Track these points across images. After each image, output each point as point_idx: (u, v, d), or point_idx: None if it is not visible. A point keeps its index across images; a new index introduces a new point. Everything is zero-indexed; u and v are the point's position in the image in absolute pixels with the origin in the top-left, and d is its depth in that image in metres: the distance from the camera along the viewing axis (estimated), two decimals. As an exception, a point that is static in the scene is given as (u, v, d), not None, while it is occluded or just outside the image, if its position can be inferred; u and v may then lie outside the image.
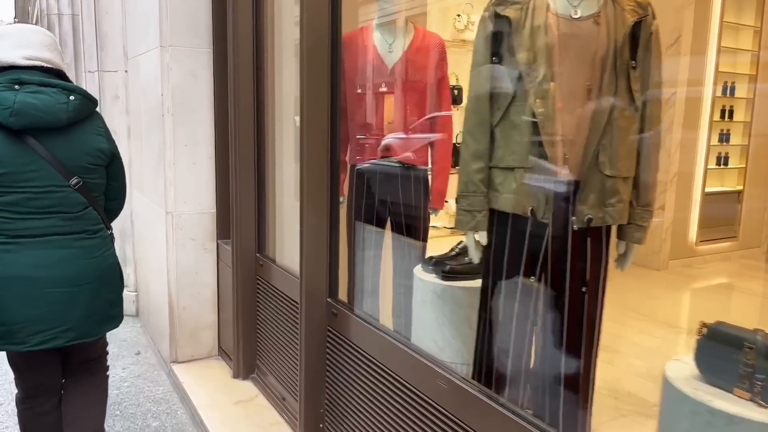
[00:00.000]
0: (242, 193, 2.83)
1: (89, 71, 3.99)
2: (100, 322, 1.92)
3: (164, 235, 3.03)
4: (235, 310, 2.86)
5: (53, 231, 1.80)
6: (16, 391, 1.99)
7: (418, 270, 2.34)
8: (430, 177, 2.62)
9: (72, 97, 1.81)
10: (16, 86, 1.73)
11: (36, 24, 13.10)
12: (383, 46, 2.52)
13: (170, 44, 2.88)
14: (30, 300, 1.77)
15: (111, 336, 2.35)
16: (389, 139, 2.52)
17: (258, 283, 2.82)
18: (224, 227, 3.08)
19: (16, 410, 2.00)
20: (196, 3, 2.92)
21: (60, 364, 2.02)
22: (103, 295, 1.91)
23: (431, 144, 2.60)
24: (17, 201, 1.74)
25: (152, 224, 3.30)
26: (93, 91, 3.96)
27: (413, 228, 2.64)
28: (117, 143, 2.04)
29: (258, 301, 2.83)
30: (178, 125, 2.94)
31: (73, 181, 1.82)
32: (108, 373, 2.15)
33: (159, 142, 3.03)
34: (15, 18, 30.20)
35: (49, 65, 1.83)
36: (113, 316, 1.98)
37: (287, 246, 2.74)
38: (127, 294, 3.90)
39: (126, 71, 3.82)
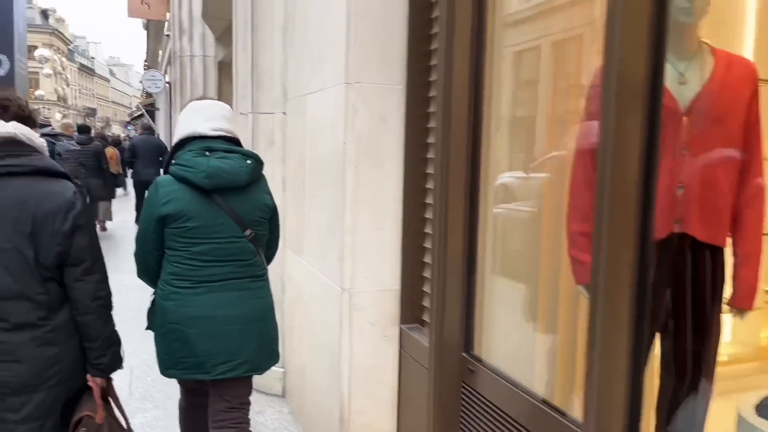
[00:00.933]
0: (445, 267, 2.15)
1: (241, 113, 3.57)
2: (267, 357, 2.20)
3: (337, 317, 2.42)
4: (430, 425, 2.16)
5: (230, 276, 2.08)
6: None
7: (748, 411, 1.52)
8: (732, 262, 1.81)
9: (249, 161, 2.12)
10: (207, 153, 2.03)
11: (168, 65, 13.67)
12: (671, 75, 1.76)
13: (357, 80, 2.30)
14: (213, 336, 2.05)
15: (254, 424, 2.38)
16: (682, 210, 1.74)
17: (465, 395, 2.11)
18: (410, 309, 2.42)
19: None
20: (389, 29, 2.33)
21: None
22: (268, 332, 2.20)
23: (736, 217, 1.79)
24: (205, 251, 2.05)
25: (319, 300, 2.70)
26: (245, 135, 3.53)
27: (702, 336, 1.83)
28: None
29: (463, 420, 2.11)
30: (362, 181, 2.34)
31: (248, 232, 2.10)
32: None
33: (335, 201, 2.44)
34: (146, 62, 32.74)
35: (229, 134, 2.14)
36: (275, 351, 2.26)
37: (514, 348, 2.02)
38: (274, 369, 3.34)
39: (284, 113, 3.34)
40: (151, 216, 2.06)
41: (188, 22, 10.29)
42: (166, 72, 12.65)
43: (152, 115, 30.71)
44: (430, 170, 2.33)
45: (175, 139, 2.19)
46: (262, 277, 2.21)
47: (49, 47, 71.46)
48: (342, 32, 2.32)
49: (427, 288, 2.34)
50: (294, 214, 3.18)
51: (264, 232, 2.21)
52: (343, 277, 2.37)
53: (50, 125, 8.47)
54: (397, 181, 2.39)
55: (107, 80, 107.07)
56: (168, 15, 11.65)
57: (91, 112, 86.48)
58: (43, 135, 2.48)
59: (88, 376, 1.85)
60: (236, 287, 2.10)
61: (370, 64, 2.31)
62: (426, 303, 2.35)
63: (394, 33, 2.34)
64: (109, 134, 17.21)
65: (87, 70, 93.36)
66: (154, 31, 16.95)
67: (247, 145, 3.45)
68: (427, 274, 2.35)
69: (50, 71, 70.32)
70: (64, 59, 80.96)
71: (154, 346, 2.15)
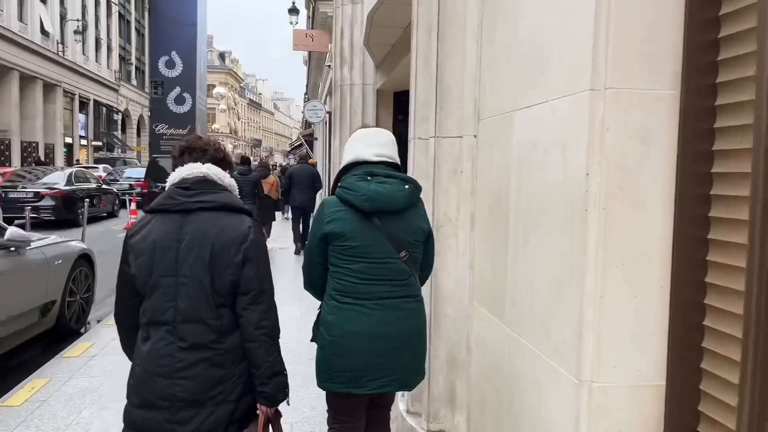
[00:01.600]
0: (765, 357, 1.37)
1: (420, 138, 3.03)
2: (416, 374, 2.29)
3: (568, 417, 1.71)
4: None
5: (387, 295, 2.17)
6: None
7: None
8: None
9: (406, 186, 2.22)
10: (369, 177, 2.17)
11: (328, 95, 14.00)
12: None
13: (609, 85, 1.62)
14: (370, 352, 2.14)
15: None
16: None
17: None
18: (681, 414, 1.64)
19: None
20: (659, 11, 1.63)
21: (365, 416, 2.34)
22: (419, 351, 2.28)
23: None
24: (363, 269, 2.15)
25: (535, 386, 1.99)
26: (423, 163, 2.99)
27: None
28: (448, 232, 2.55)
29: None
30: (612, 228, 1.63)
31: (402, 254, 2.18)
32: None
33: (565, 254, 1.76)
34: (306, 94, 34.72)
35: (391, 160, 2.25)
36: (423, 369, 2.33)
37: None
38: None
39: (475, 136, 2.74)
40: (316, 233, 2.21)
41: (349, 51, 10.31)
42: (325, 102, 12.91)
43: (311, 145, 32.22)
44: (715, 213, 1.56)
45: (342, 164, 2.30)
46: (416, 298, 2.27)
47: (224, 85, 79.69)
48: (587, 20, 1.66)
49: (707, 385, 1.56)
50: (487, 260, 2.54)
51: (418, 254, 2.27)
52: (581, 363, 1.66)
53: None
54: (665, 228, 1.65)
55: (272, 113, 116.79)
56: (330, 46, 11.85)
57: (257, 143, 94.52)
58: None
59: (258, 404, 1.93)
60: (394, 306, 2.17)
61: (628, 62, 1.61)
62: (705, 407, 1.56)
63: (663, 16, 1.62)
64: (273, 163, 18.22)
65: (255, 105, 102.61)
66: (316, 63, 17.63)
67: (426, 173, 2.93)
68: (707, 365, 1.57)
69: (225, 107, 78.31)
70: (236, 95, 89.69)
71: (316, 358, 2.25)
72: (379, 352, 2.13)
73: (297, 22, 25.36)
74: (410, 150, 3.24)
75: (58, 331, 5.28)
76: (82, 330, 5.63)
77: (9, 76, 27.89)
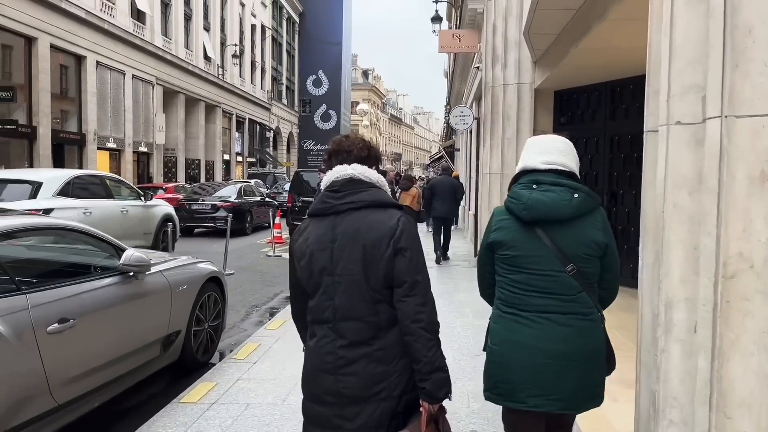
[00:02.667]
0: None
1: (678, 123, 1.80)
2: (586, 398, 2.10)
3: None
4: None
5: (552, 309, 2.03)
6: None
7: None
8: None
9: (576, 195, 2.04)
10: (533, 186, 2.06)
11: (475, 101, 12.85)
12: None
13: None
14: (529, 366, 2.03)
15: None
16: None
17: None
18: None
19: None
20: None
21: None
22: (589, 374, 2.07)
23: None
24: (522, 279, 2.06)
25: None
26: (683, 163, 1.74)
27: None
28: (747, 286, 1.58)
29: None
30: None
31: (569, 267, 2.02)
32: None
33: None
34: (447, 105, 33.79)
35: (562, 168, 2.08)
36: (598, 394, 2.13)
37: None
38: None
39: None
40: (484, 241, 2.19)
41: (502, 48, 9.12)
42: (472, 108, 11.81)
43: (452, 156, 31.27)
44: None
45: (515, 172, 2.21)
46: (590, 316, 2.08)
47: (367, 102, 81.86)
48: None
49: None
50: None
51: (591, 269, 2.07)
52: None
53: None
54: None
55: (411, 128, 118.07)
56: (479, 46, 10.74)
57: (398, 157, 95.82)
58: None
59: (420, 399, 1.87)
60: (559, 322, 2.03)
61: None
62: None
63: None
64: (416, 176, 17.69)
65: (396, 120, 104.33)
66: (460, 69, 16.58)
67: (693, 183, 1.70)
68: None
69: (368, 122, 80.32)
70: (378, 111, 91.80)
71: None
72: (539, 367, 2.04)
73: (438, 30, 24.53)
74: (650, 146, 2.03)
75: (183, 364, 4.70)
76: (211, 361, 5.04)
77: (176, 99, 30.37)
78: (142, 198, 10.59)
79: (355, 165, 1.95)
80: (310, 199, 14.43)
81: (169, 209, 11.63)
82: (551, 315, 2.03)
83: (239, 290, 8.09)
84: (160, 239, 10.68)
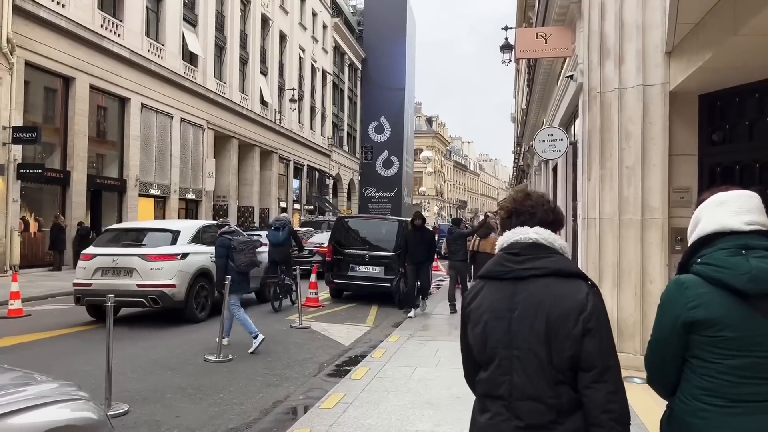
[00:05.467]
0: None
1: None
2: None
3: None
4: None
5: None
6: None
7: None
8: None
9: None
10: (743, 251, 1.76)
11: (573, 118, 9.81)
12: None
13: None
14: None
15: None
16: None
17: None
18: None
19: None
20: None
21: None
22: None
23: None
24: (744, 365, 1.72)
25: None
26: None
27: None
28: None
29: None
30: None
31: None
32: None
33: None
34: (517, 145, 30.85)
35: (764, 228, 1.83)
36: None
37: None
38: None
39: None
40: (674, 320, 1.79)
41: (616, 37, 6.30)
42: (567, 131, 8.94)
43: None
44: None
45: (696, 234, 1.89)
46: None
47: (431, 149, 79.99)
48: None
49: None
50: None
51: None
52: None
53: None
54: None
55: (477, 175, 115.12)
56: (572, 47, 7.93)
57: (463, 204, 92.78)
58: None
59: None
60: None
61: None
62: None
63: None
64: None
65: (460, 167, 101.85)
66: (540, 90, 13.73)
67: None
68: None
69: (431, 169, 78.25)
70: (442, 158, 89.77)
71: None
72: None
73: (510, 60, 21.83)
74: None
75: None
76: None
77: (229, 144, 29.05)
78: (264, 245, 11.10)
79: (538, 229, 1.83)
80: (356, 251, 11.78)
81: None
82: None
83: (219, 396, 5.37)
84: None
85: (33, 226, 17.64)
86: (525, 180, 30.53)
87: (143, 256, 8.69)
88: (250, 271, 7.54)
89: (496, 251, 1.90)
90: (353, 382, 5.53)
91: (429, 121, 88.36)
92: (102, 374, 5.80)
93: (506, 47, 19.14)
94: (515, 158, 42.00)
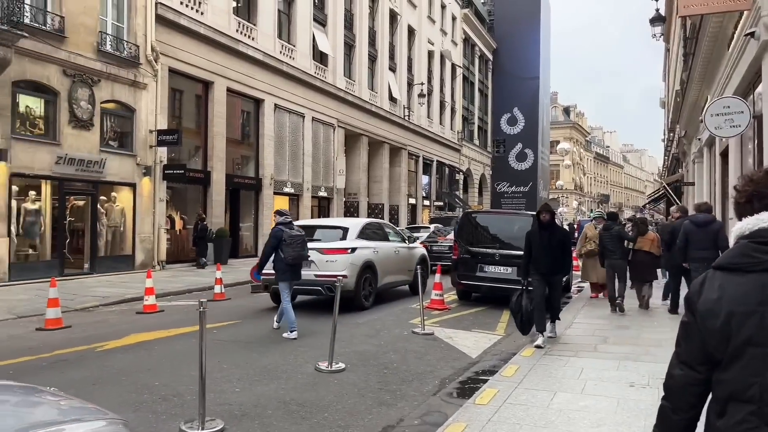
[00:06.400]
0: None
1: None
2: None
3: None
4: None
5: None
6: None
7: None
8: None
9: None
10: None
11: (755, 85, 7.96)
12: None
13: None
14: None
15: None
16: None
17: None
18: None
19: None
20: None
21: None
22: None
23: None
24: None
25: None
26: None
27: None
28: None
29: None
30: None
31: None
32: None
33: None
34: (670, 131, 27.63)
35: None
36: None
37: None
38: None
39: None
40: None
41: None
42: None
43: (677, 193, 25.25)
44: None
45: None
46: None
47: (569, 140, 75.49)
48: None
49: None
50: None
51: None
52: None
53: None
54: None
55: (620, 167, 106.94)
56: (756, -3, 6.30)
57: (605, 198, 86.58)
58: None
59: None
60: None
61: None
62: None
63: None
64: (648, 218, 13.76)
65: (602, 159, 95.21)
66: (703, 62, 11.64)
67: None
68: None
69: (569, 162, 73.81)
70: (581, 150, 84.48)
71: None
72: None
73: (661, 35, 19.42)
74: None
75: None
76: None
77: (359, 142, 29.19)
78: (407, 241, 12.40)
79: None
80: (485, 250, 10.77)
81: (424, 252, 12.95)
82: None
83: (323, 416, 4.76)
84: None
85: (179, 224, 18.77)
86: (680, 170, 27.26)
87: (320, 250, 9.72)
88: (300, 262, 8.05)
89: (731, 241, 1.71)
90: (478, 408, 4.63)
91: (566, 111, 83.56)
92: (210, 380, 5.48)
93: (657, 20, 16.91)
94: (666, 147, 37.95)
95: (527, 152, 51.77)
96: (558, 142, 68.30)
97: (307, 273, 9.15)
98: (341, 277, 7.39)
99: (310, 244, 9.63)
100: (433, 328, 8.34)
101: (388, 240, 11.49)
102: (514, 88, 50.96)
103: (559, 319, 7.60)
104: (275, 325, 8.08)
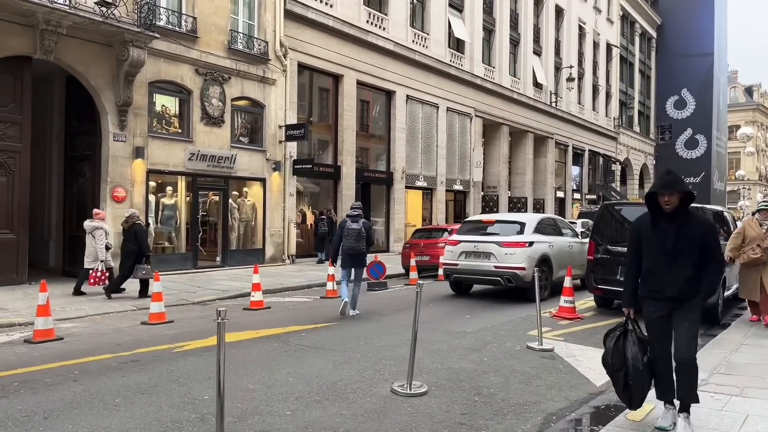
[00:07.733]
0: None
1: None
2: None
3: None
4: None
5: None
6: None
7: None
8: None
9: None
10: None
11: None
12: None
13: None
14: None
15: None
16: None
17: None
18: None
19: None
20: None
21: None
22: None
23: None
24: None
25: None
26: None
27: None
28: None
29: None
30: None
31: None
32: None
33: None
34: None
35: None
36: None
37: None
38: None
39: None
40: None
41: None
42: None
43: None
44: None
45: None
46: None
47: (751, 124, 65.80)
48: None
49: None
50: None
51: None
52: None
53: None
54: None
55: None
56: None
57: (799, 190, 74.19)
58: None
59: None
60: None
61: None
62: None
63: None
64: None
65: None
66: None
67: None
68: None
69: (752, 149, 64.28)
70: (767, 135, 73.27)
71: None
72: None
73: None
74: None
75: None
76: None
77: (498, 132, 27.55)
78: (579, 236, 12.52)
79: None
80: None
81: None
82: None
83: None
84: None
85: (310, 218, 18.86)
86: None
87: (499, 243, 10.35)
88: (356, 253, 8.67)
89: None
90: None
91: (748, 91, 72.95)
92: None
93: None
94: None
95: (698, 138, 45.77)
96: (738, 127, 59.65)
97: (486, 264, 10.21)
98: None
99: (487, 237, 10.59)
100: (555, 343, 6.93)
101: (561, 235, 11.67)
102: (683, 67, 45.29)
103: (697, 401, 3.99)
104: (351, 312, 8.65)
